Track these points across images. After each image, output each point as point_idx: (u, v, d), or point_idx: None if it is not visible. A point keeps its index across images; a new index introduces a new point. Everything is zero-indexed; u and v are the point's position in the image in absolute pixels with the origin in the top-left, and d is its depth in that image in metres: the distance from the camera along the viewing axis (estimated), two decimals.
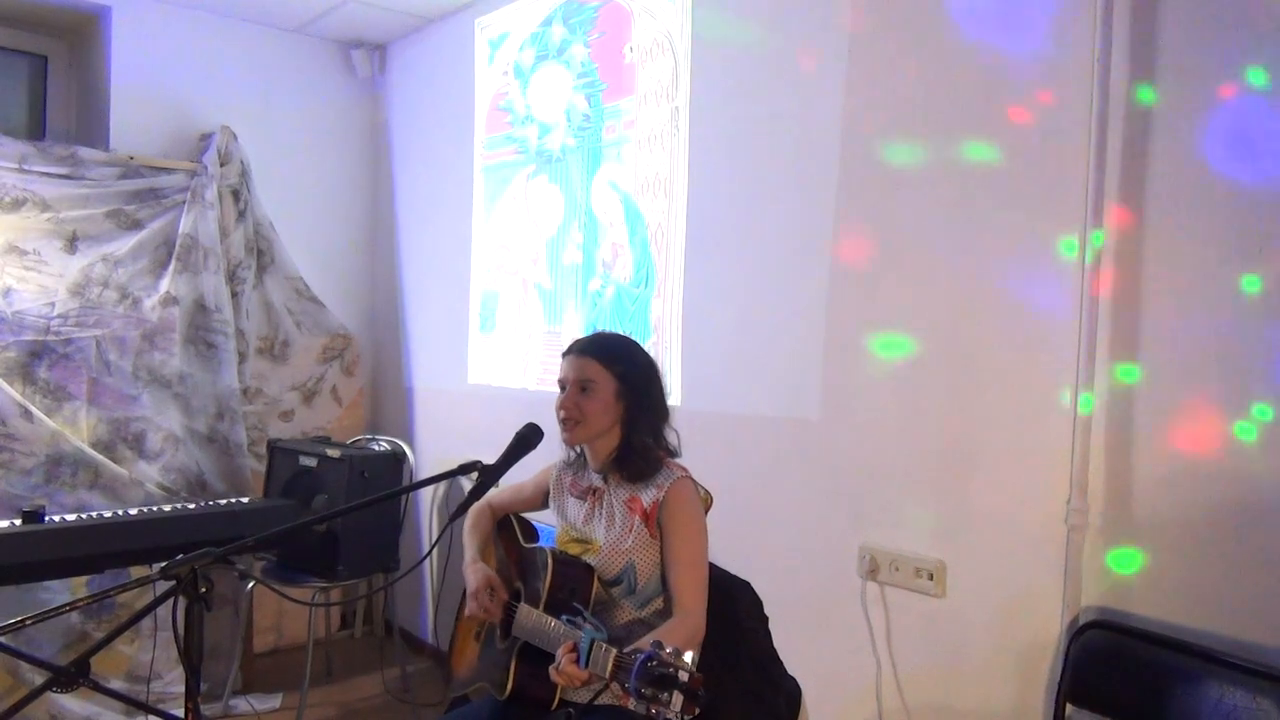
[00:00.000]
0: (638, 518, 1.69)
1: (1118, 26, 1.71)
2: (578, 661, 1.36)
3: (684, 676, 1.18)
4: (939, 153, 2.00)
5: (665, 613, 1.66)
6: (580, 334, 2.85)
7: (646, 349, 1.85)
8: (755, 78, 2.41)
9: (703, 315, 2.53)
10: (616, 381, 1.72)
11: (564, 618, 1.52)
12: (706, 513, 1.73)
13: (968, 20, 1.95)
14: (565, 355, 1.78)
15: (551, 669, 1.42)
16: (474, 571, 1.82)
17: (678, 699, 1.17)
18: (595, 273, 2.86)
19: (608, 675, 1.29)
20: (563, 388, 1.75)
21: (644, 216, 2.68)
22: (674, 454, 1.77)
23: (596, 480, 1.80)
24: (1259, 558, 1.55)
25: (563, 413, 1.72)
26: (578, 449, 1.83)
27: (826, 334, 2.22)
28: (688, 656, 1.21)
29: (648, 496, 1.69)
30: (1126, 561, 1.71)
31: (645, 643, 1.27)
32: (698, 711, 1.18)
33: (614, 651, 1.30)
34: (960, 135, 1.96)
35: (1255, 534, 1.55)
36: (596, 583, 1.67)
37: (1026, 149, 1.86)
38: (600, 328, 2.82)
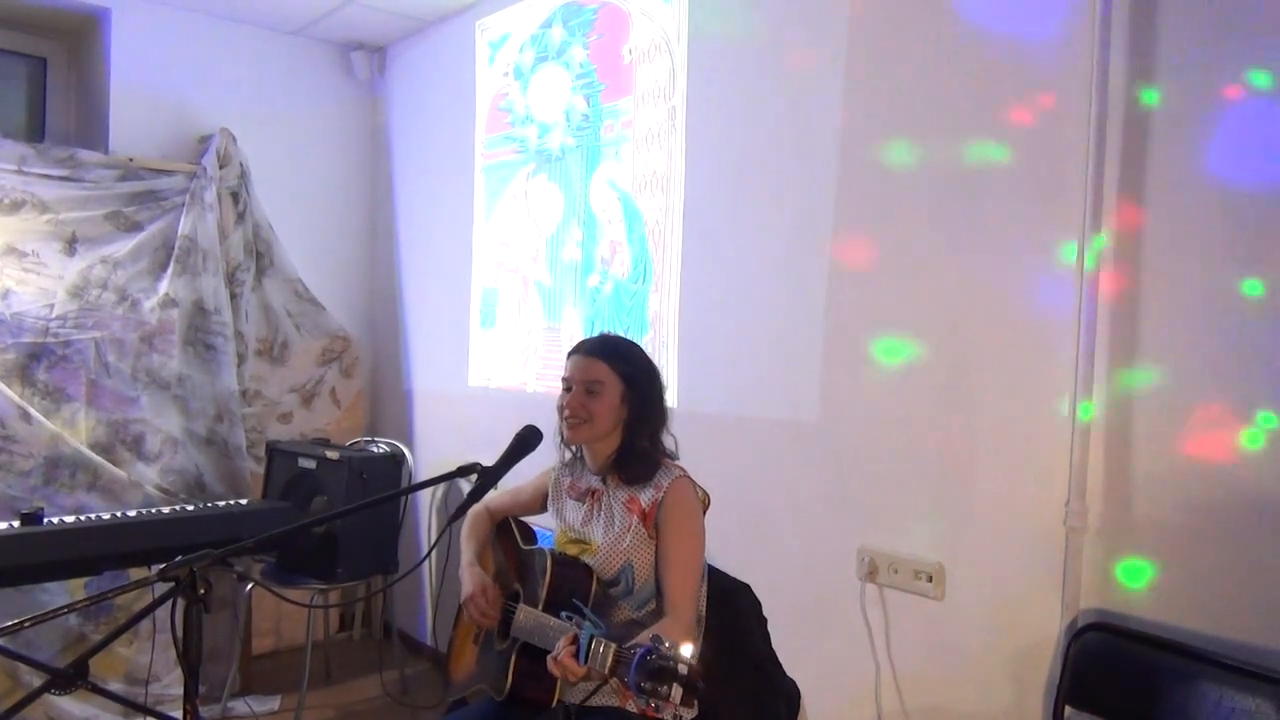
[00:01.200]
0: (636, 518, 1.69)
1: (1117, 28, 1.71)
2: (576, 656, 1.36)
3: (683, 669, 1.19)
4: (938, 152, 2.00)
5: (659, 614, 1.66)
6: (579, 328, 2.89)
7: (645, 346, 1.86)
8: (751, 77, 2.42)
9: (700, 311, 2.54)
10: (623, 385, 1.73)
11: (563, 614, 1.53)
12: (705, 512, 1.73)
13: (969, 16, 1.96)
14: (571, 355, 1.78)
15: (550, 659, 1.42)
16: (469, 576, 1.83)
17: (677, 691, 1.18)
18: (594, 269, 2.88)
19: (607, 671, 1.30)
20: (568, 387, 1.75)
21: (642, 214, 2.71)
22: (672, 458, 1.78)
23: (595, 482, 1.80)
24: (1259, 560, 1.55)
25: (567, 411, 1.73)
26: (574, 450, 1.84)
27: (825, 334, 2.22)
28: (686, 650, 1.22)
29: (646, 496, 1.70)
30: (1129, 568, 1.71)
31: (645, 638, 1.27)
32: (696, 704, 1.19)
33: (614, 646, 1.30)
34: (961, 135, 1.96)
35: (1256, 537, 1.55)
36: (595, 583, 1.68)
37: (1028, 149, 1.86)
38: (599, 322, 2.84)
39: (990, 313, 1.92)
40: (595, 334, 1.94)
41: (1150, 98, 1.69)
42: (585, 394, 1.72)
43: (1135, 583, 1.70)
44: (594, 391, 1.71)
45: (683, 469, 1.74)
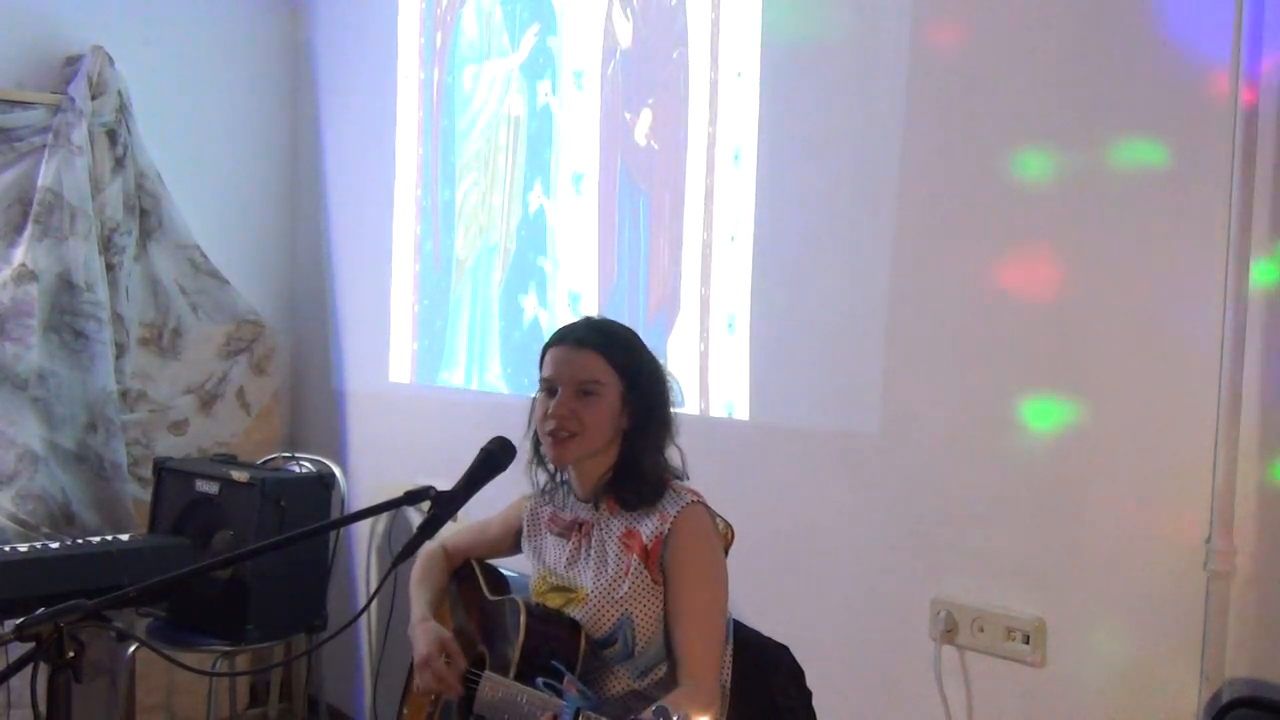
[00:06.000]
0: (635, 557, 1.70)
1: None
2: None
3: None
4: (1049, 89, 2.00)
5: (670, 683, 1.67)
6: (557, 288, 2.88)
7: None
8: None
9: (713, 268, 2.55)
10: (623, 384, 1.73)
11: (540, 682, 1.53)
12: (727, 551, 1.74)
13: None
14: (552, 347, 1.78)
15: None
16: (423, 633, 1.84)
17: None
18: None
19: None
20: (551, 390, 1.75)
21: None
22: (677, 477, 1.79)
23: (583, 512, 1.81)
24: None
25: (552, 423, 1.71)
26: (555, 473, 1.85)
27: (888, 319, 2.22)
28: None
29: (649, 529, 1.71)
30: None
31: (647, 713, 1.28)
32: None
33: None
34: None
35: None
36: (583, 642, 1.69)
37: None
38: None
39: (1110, 291, 1.91)
40: (580, 319, 1.93)
41: None
42: (577, 398, 1.71)
43: None
44: (590, 393, 1.71)
45: (696, 493, 1.75)
